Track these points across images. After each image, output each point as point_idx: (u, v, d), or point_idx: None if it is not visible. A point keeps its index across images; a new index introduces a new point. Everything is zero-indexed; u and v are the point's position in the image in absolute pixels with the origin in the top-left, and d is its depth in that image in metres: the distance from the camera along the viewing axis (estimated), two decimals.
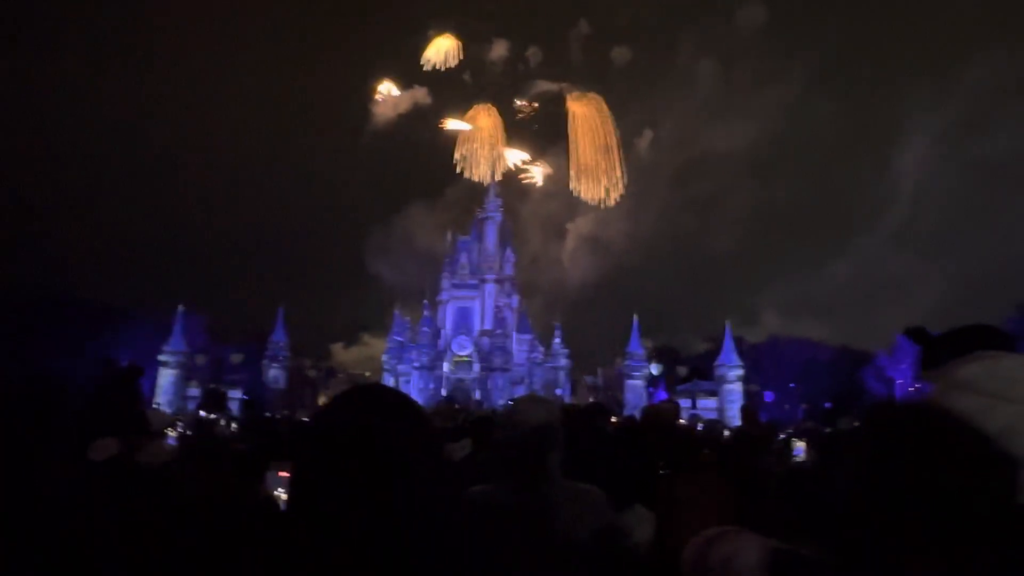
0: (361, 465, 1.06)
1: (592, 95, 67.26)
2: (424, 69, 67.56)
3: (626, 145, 70.63)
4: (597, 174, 66.13)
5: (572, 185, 65.73)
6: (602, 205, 66.64)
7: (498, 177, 62.95)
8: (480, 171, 63.47)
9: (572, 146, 66.25)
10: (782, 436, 14.54)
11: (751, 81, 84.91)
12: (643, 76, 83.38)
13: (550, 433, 2.38)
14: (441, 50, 67.70)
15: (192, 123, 76.11)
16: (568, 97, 67.30)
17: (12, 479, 1.34)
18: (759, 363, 50.24)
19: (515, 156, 66.38)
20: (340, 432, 1.11)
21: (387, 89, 69.69)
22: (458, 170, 64.25)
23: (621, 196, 66.22)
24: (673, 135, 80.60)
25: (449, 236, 59.13)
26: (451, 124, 65.79)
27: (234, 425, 11.15)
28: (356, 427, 1.10)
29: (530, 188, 67.15)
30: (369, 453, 1.08)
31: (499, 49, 69.86)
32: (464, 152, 64.42)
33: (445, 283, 56.94)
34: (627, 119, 77.97)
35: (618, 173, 66.03)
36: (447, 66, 67.22)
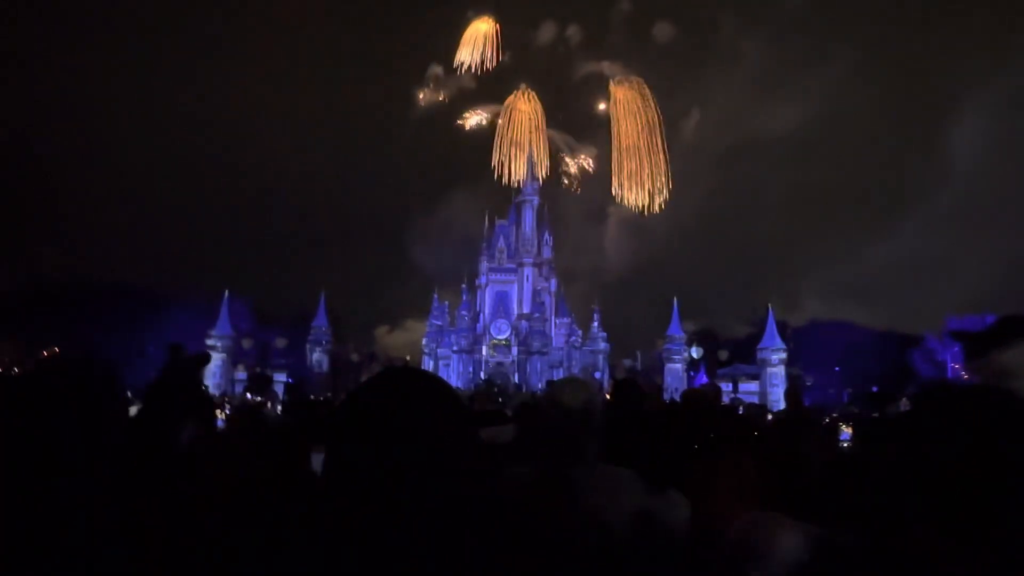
0: (390, 447, 1.07)
1: (634, 79, 66.35)
2: (457, 71, 67.31)
3: (670, 127, 69.72)
4: (640, 176, 65.36)
5: (614, 191, 65.23)
6: (646, 213, 65.75)
7: (542, 172, 62.78)
8: (517, 171, 63.36)
9: (615, 142, 65.63)
10: (827, 420, 14.28)
11: (797, 58, 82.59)
12: (688, 55, 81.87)
13: (587, 416, 2.37)
14: (479, 35, 67.44)
15: (236, 109, 77.44)
16: (611, 82, 66.50)
17: (59, 467, 1.37)
18: (801, 347, 49.29)
19: (557, 141, 66.18)
20: (367, 415, 1.11)
21: (433, 73, 69.86)
22: (495, 176, 63.99)
23: (665, 202, 65.30)
24: (717, 116, 79.09)
25: (487, 220, 59.29)
26: (472, 120, 65.95)
27: (279, 408, 11.44)
28: (384, 409, 1.11)
29: (570, 173, 66.87)
30: (396, 435, 1.08)
31: (542, 32, 69.45)
32: (501, 156, 64.38)
33: (483, 267, 57.13)
34: (672, 99, 76.82)
35: (663, 176, 65.15)
36: (484, 53, 66.93)
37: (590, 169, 65.69)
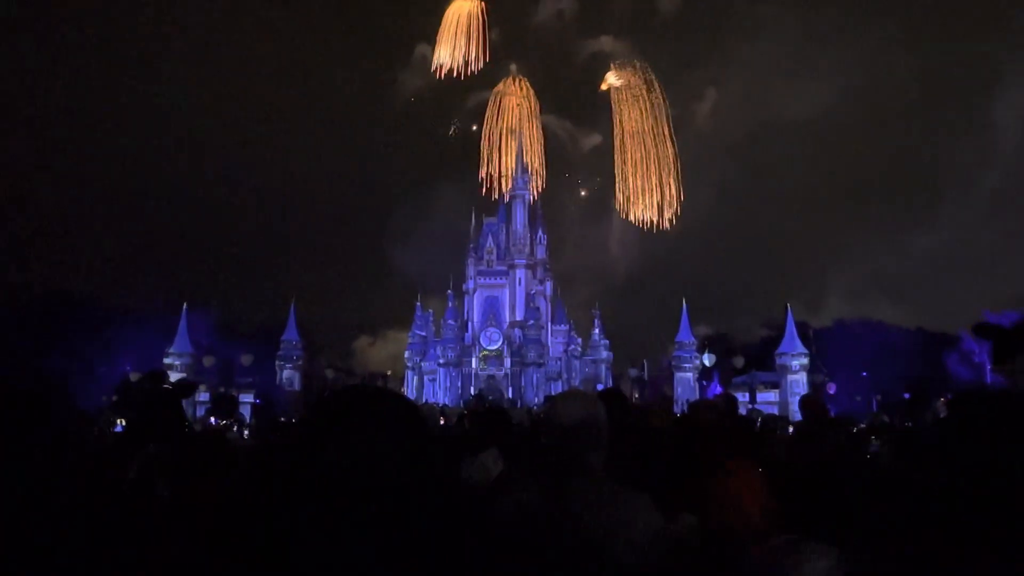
0: (339, 477, 1.04)
1: (637, 63, 66.39)
2: (435, 73, 67.02)
3: (681, 109, 69.98)
4: (647, 187, 65.40)
5: (618, 204, 65.38)
6: (655, 230, 65.97)
7: (534, 162, 62.85)
8: (507, 163, 63.44)
9: (617, 145, 65.69)
10: (854, 430, 14.34)
11: (824, 30, 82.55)
12: (700, 28, 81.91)
13: (589, 431, 2.38)
14: (463, 13, 67.36)
15: (194, 104, 77.21)
16: (610, 69, 66.50)
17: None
18: (825, 350, 49.46)
19: (553, 127, 66.34)
20: (314, 443, 1.08)
21: (418, 54, 69.68)
22: (483, 170, 64.06)
23: (676, 216, 65.39)
24: (733, 96, 79.27)
25: (474, 218, 59.26)
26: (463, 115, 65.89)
27: (247, 432, 11.37)
28: (332, 437, 1.07)
29: (568, 162, 67.05)
30: (346, 465, 1.05)
31: (534, 5, 69.52)
32: (489, 147, 64.37)
33: (470, 270, 57.14)
34: (683, 78, 76.99)
35: (672, 184, 65.19)
36: (469, 33, 66.73)
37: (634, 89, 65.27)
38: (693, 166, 70.04)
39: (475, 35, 67.32)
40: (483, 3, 67.85)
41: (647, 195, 65.55)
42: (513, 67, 68.45)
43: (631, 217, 65.13)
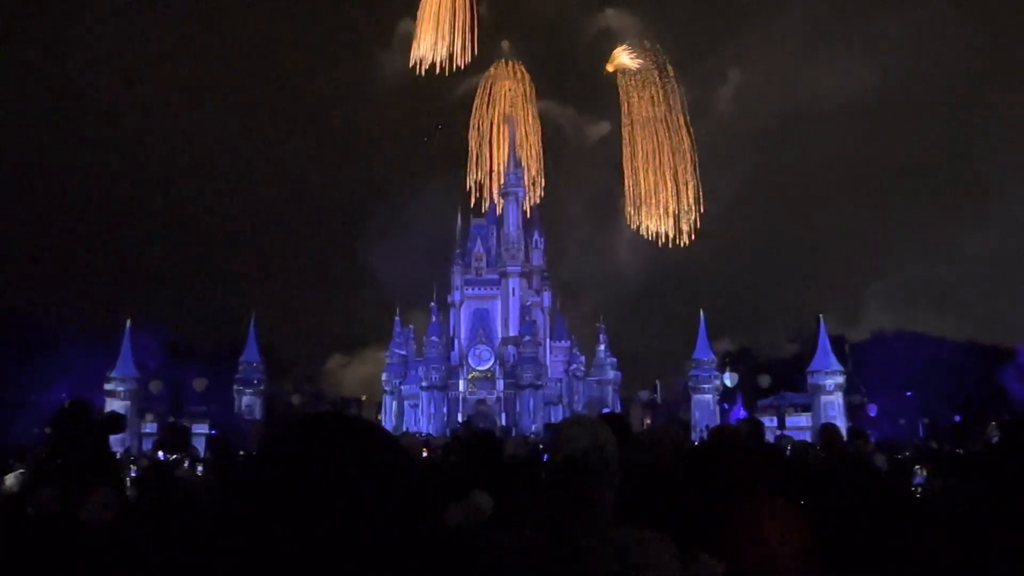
0: (294, 519, 1.02)
1: (648, 45, 66.45)
2: (415, 69, 66.55)
3: (700, 96, 70.11)
4: (660, 189, 65.36)
5: (628, 214, 65.47)
6: (670, 244, 65.97)
7: (529, 156, 62.95)
8: (498, 157, 63.43)
9: (625, 143, 65.79)
10: (898, 458, 14.39)
11: (862, 4, 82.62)
12: (723, 1, 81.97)
13: (597, 464, 2.39)
14: None
15: (137, 83, 77.17)
16: (616, 50, 66.63)
17: None
18: (863, 367, 49.58)
19: (553, 114, 66.44)
20: (267, 481, 1.07)
21: (406, 31, 69.31)
22: (470, 189, 63.96)
23: (696, 229, 65.34)
24: (758, 80, 79.36)
25: (460, 219, 59.32)
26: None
27: (200, 468, 11.34)
28: (288, 472, 1.06)
29: (571, 155, 67.13)
30: (300, 507, 1.03)
31: None
32: (478, 138, 64.22)
33: (456, 279, 57.16)
34: (702, 61, 77.13)
35: (689, 191, 65.26)
36: (452, 23, 66.36)
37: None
38: (713, 160, 70.20)
39: (460, 23, 67.22)
40: None
41: (660, 200, 65.58)
42: (505, 45, 68.62)
43: (642, 230, 65.12)
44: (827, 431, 7.26)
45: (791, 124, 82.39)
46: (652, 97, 66.29)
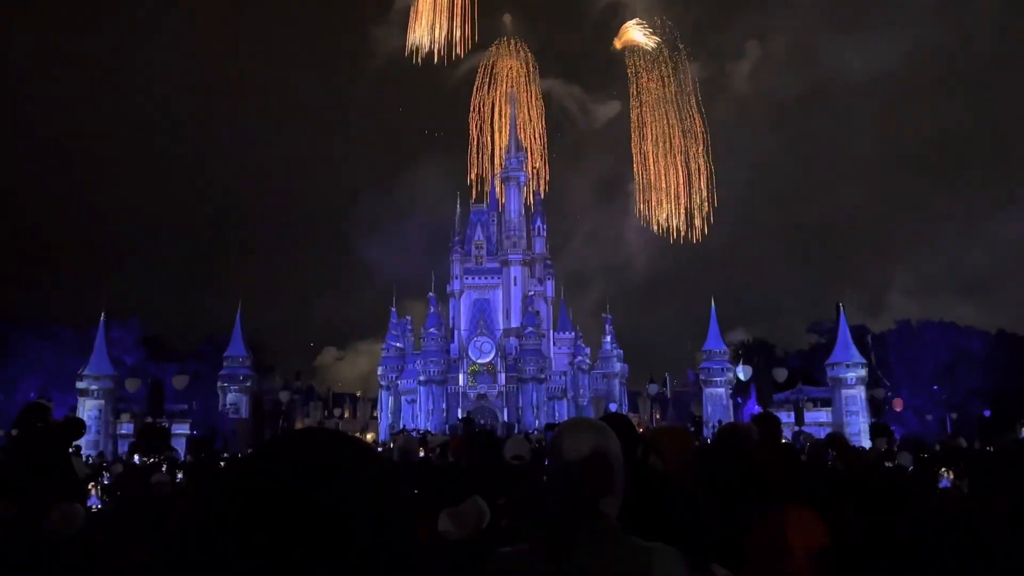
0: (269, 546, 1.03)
1: (659, 20, 66.03)
2: (410, 58, 65.81)
3: (717, 72, 69.76)
4: (671, 179, 65.15)
5: (638, 210, 65.27)
6: (682, 240, 65.85)
7: (531, 138, 62.77)
8: (499, 138, 63.13)
9: (634, 132, 65.48)
10: (923, 456, 14.37)
11: None
12: None
13: (601, 470, 2.37)
14: None
15: (110, 59, 77.03)
16: (626, 25, 66.25)
17: None
18: (887, 359, 49.65)
19: (559, 94, 66.19)
20: (241, 506, 1.08)
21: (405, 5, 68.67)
22: (472, 188, 63.70)
23: (709, 223, 65.18)
24: (781, 54, 78.94)
25: (459, 205, 59.36)
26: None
27: (180, 473, 11.31)
28: (262, 497, 1.07)
29: (576, 136, 66.96)
30: (277, 537, 1.04)
31: None
32: (480, 148, 63.74)
33: (456, 268, 57.25)
34: (721, 31, 76.68)
35: (703, 183, 65.02)
36: (451, 8, 65.66)
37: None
38: (727, 141, 70.02)
39: (460, 8, 66.76)
40: None
41: (671, 188, 65.49)
42: (507, 20, 68.46)
43: (653, 225, 65.02)
44: (832, 441, 7.22)
45: (812, 101, 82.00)
46: (663, 77, 66.10)
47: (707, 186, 66.34)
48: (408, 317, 57.76)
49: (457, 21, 65.77)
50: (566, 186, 67.91)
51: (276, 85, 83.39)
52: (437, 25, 65.43)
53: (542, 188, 62.57)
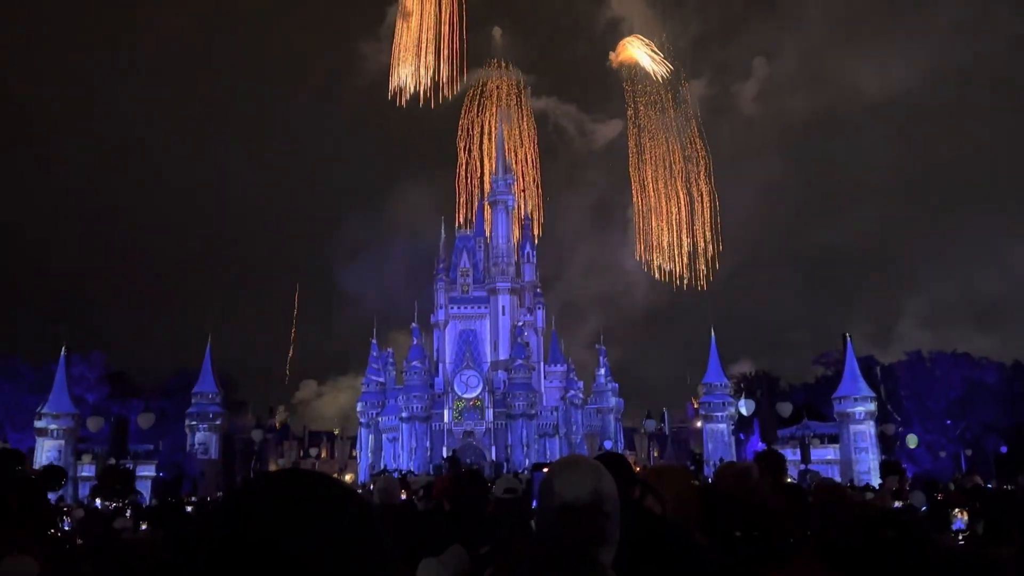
0: None
1: (658, 41, 66.41)
2: (394, 100, 65.48)
3: (723, 89, 70.23)
4: (672, 232, 65.20)
5: (639, 255, 65.45)
6: (685, 287, 65.88)
7: (521, 159, 62.85)
8: (486, 160, 63.14)
9: (633, 170, 65.69)
10: (937, 496, 14.35)
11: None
12: None
13: (597, 516, 2.35)
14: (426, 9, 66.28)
15: (75, 80, 77.06)
16: (621, 47, 66.66)
17: None
18: (898, 392, 49.70)
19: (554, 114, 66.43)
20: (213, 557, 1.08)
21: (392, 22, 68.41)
22: (459, 220, 63.56)
23: (711, 269, 65.35)
24: (790, 72, 79.15)
25: (443, 230, 59.37)
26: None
27: (143, 519, 11.19)
28: (237, 546, 1.08)
29: (571, 158, 67.11)
30: None
31: None
32: (468, 195, 63.41)
33: (440, 296, 57.12)
34: (727, 47, 77.26)
35: (707, 225, 65.06)
36: (436, 43, 65.54)
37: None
38: (733, 162, 70.29)
39: (446, 47, 66.85)
40: None
41: (672, 221, 65.64)
42: (497, 34, 68.90)
43: (653, 271, 65.13)
44: (820, 487, 7.22)
45: (822, 124, 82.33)
46: (662, 98, 66.35)
47: (709, 214, 66.55)
48: (390, 349, 57.51)
49: (444, 60, 65.88)
50: (561, 211, 67.98)
51: (251, 108, 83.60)
52: (422, 65, 65.54)
53: (534, 213, 62.62)
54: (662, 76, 66.07)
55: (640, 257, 66.22)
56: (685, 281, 65.16)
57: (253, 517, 1.11)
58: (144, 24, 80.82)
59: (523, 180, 63.44)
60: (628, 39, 67.16)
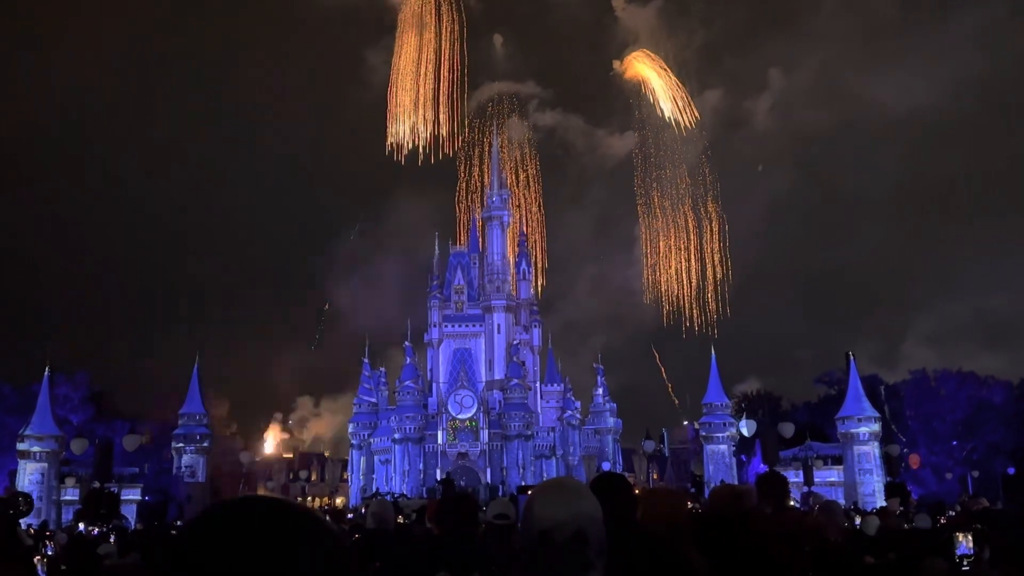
0: None
1: (664, 55, 66.51)
2: (392, 154, 64.49)
3: (735, 100, 70.31)
4: (678, 220, 65.08)
5: (644, 293, 65.42)
6: (696, 331, 65.63)
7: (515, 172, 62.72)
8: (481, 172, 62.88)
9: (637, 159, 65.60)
10: (941, 520, 14.32)
11: (932, 3, 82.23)
12: (759, 6, 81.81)
13: (580, 542, 2.32)
14: (425, 54, 66.02)
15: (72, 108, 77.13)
16: (629, 61, 66.69)
17: None
18: (902, 412, 49.62)
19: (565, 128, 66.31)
20: None
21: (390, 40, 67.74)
22: (461, 238, 63.14)
23: (723, 301, 65.25)
24: (807, 86, 79.10)
25: (437, 246, 59.23)
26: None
27: (127, 544, 11.14)
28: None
29: (574, 170, 67.06)
30: None
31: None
32: (468, 210, 63.02)
33: (434, 315, 57.01)
34: (741, 57, 77.25)
35: (714, 232, 65.09)
36: (436, 94, 65.02)
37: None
38: (743, 176, 70.17)
39: (445, 100, 66.76)
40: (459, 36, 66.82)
41: (679, 254, 65.67)
42: (498, 41, 69.22)
43: (662, 304, 65.11)
44: (828, 511, 7.21)
45: (834, 138, 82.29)
46: (671, 116, 66.26)
47: (718, 238, 66.62)
48: (382, 369, 57.41)
49: (443, 112, 65.81)
50: (566, 227, 67.89)
51: (242, 122, 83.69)
52: (421, 119, 65.47)
53: (530, 230, 62.66)
54: (671, 94, 66.01)
55: (646, 283, 66.33)
56: (694, 316, 65.11)
57: (211, 550, 1.11)
58: (136, 43, 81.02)
59: (523, 196, 63.52)
60: (635, 54, 67.39)
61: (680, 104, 65.54)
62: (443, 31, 65.01)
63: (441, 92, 64.66)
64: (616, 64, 68.69)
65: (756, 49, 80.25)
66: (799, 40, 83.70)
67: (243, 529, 1.14)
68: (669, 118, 65.70)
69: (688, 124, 65.89)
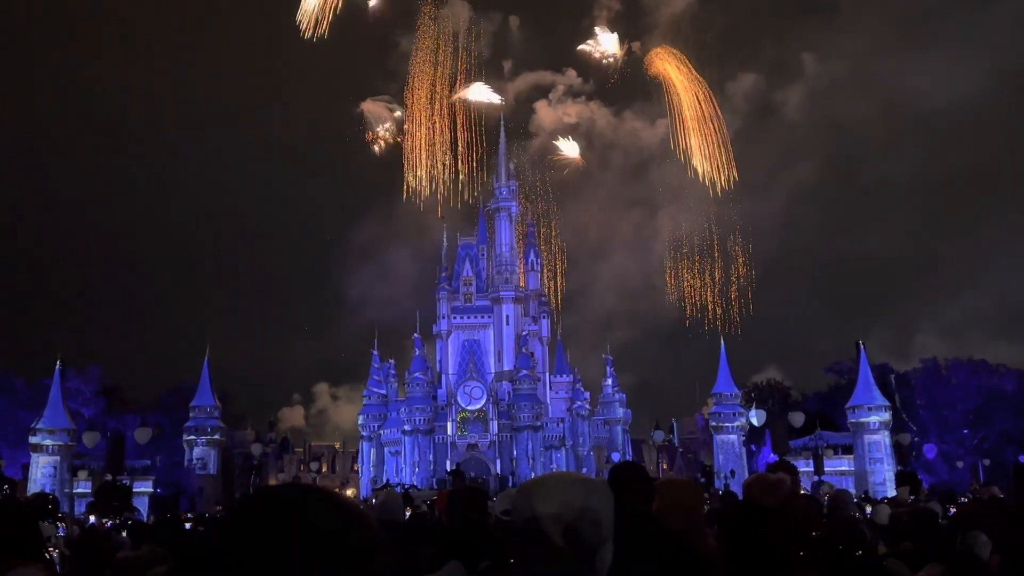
0: None
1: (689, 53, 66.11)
2: (412, 198, 63.63)
3: (766, 92, 69.85)
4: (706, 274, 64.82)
5: (668, 282, 65.11)
6: (719, 331, 65.54)
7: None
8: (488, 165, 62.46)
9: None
10: (951, 511, 14.28)
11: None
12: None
13: (580, 538, 2.20)
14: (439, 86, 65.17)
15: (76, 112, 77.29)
16: (651, 57, 66.22)
17: None
18: (913, 401, 49.52)
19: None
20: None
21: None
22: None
23: (747, 303, 64.92)
24: (841, 75, 78.41)
25: (446, 238, 59.24)
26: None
27: (141, 535, 11.19)
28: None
29: (590, 158, 66.76)
30: None
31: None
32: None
33: (443, 306, 57.04)
34: (769, 44, 76.65)
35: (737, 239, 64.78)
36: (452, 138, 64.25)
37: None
38: (769, 166, 69.59)
39: (463, 142, 65.12)
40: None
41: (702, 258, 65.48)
42: (514, 24, 69.01)
43: (687, 308, 64.89)
44: (837, 501, 7.21)
45: (868, 127, 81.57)
46: (697, 102, 65.57)
47: (742, 238, 66.40)
48: (391, 360, 57.46)
49: (464, 160, 65.11)
50: (564, 210, 67.55)
51: (253, 118, 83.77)
52: (440, 166, 64.74)
53: (539, 222, 62.45)
54: (695, 84, 65.25)
55: (669, 283, 66.20)
56: (719, 318, 64.89)
57: (255, 536, 1.11)
58: (149, 44, 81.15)
59: (538, 188, 63.36)
60: (657, 51, 66.89)
61: (701, 98, 64.88)
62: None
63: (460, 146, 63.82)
64: (636, 46, 68.16)
65: (788, 36, 79.62)
66: (834, 27, 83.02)
67: (295, 514, 1.13)
68: (686, 114, 65.10)
69: (711, 122, 65.09)
